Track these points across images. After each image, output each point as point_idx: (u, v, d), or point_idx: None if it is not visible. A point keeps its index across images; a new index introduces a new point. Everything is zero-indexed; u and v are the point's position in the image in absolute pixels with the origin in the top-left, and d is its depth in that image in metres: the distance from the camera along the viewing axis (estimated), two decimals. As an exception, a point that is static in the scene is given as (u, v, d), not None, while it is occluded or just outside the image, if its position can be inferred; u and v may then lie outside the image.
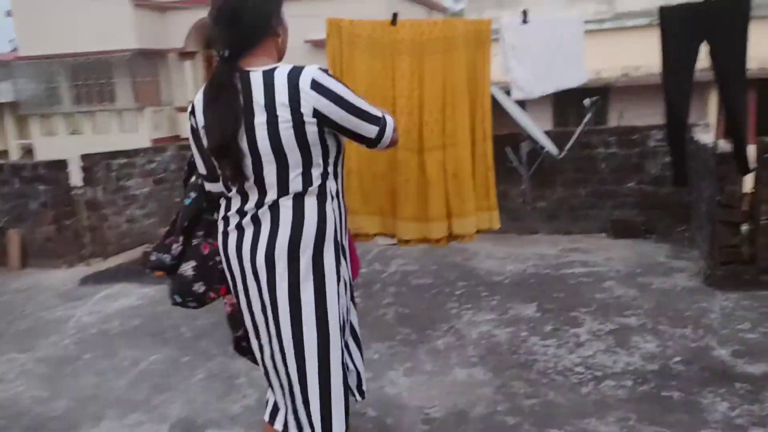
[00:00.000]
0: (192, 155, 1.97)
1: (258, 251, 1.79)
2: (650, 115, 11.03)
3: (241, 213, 1.82)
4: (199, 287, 1.99)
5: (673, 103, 3.66)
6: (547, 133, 5.47)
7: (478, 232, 3.86)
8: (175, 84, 18.10)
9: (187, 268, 1.97)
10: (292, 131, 1.71)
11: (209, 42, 2.59)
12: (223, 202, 1.89)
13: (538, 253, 5.26)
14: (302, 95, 1.70)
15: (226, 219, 1.87)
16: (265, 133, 1.71)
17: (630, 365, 3.19)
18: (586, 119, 5.17)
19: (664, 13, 3.55)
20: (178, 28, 17.35)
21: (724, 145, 4.15)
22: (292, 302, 1.79)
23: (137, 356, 3.72)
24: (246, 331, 1.98)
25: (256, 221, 1.80)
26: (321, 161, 1.80)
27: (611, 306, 3.99)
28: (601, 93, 13.05)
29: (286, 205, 1.78)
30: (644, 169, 5.53)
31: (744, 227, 4.19)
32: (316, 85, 1.71)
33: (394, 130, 1.90)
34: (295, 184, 1.77)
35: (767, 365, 3.09)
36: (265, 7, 1.79)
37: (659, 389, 2.94)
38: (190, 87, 17.48)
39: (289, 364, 1.85)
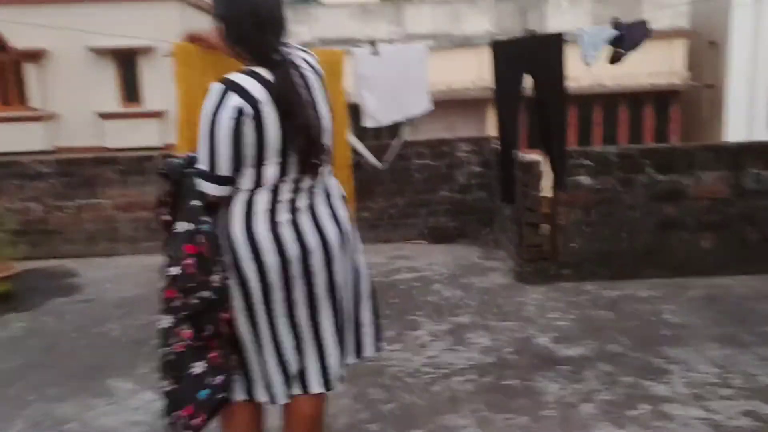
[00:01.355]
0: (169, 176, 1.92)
1: (328, 235, 1.98)
2: (440, 129, 12.06)
3: (294, 199, 1.93)
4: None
5: (505, 127, 4.06)
6: (367, 146, 5.68)
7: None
8: None
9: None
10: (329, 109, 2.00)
11: (236, 43, 2.33)
12: (261, 194, 1.90)
13: (366, 262, 5.41)
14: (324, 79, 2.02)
15: (270, 212, 1.90)
16: (328, 115, 1.96)
17: (471, 360, 3.45)
18: (403, 132, 5.46)
19: (494, 46, 3.93)
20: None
21: (524, 156, 4.69)
22: (356, 267, 2.15)
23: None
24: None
25: (311, 206, 1.97)
26: None
27: (443, 307, 4.27)
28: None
29: (332, 182, 2.06)
30: (453, 178, 6.00)
31: (545, 228, 4.75)
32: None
33: None
34: (330, 160, 2.04)
35: (582, 348, 3.54)
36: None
37: (500, 379, 3.22)
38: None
39: (364, 316, 2.20)
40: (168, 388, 1.92)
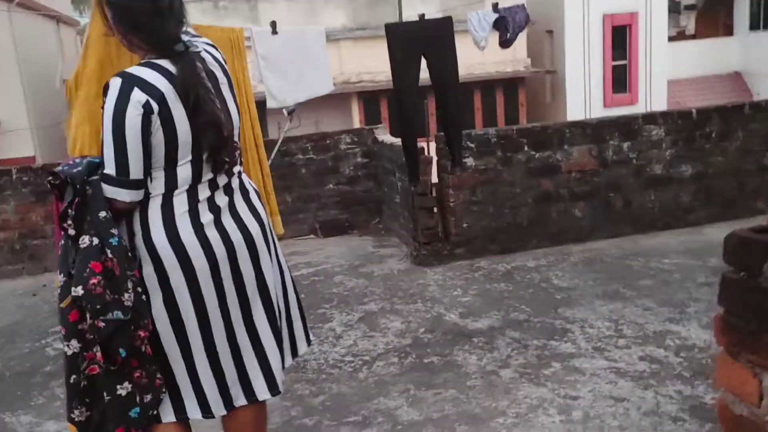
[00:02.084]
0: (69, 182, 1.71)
1: (250, 227, 1.89)
2: (306, 126, 12.03)
3: (213, 198, 1.84)
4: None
5: (404, 111, 4.13)
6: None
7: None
8: None
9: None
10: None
11: (131, 32, 1.93)
12: (180, 196, 1.78)
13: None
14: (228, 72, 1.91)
15: (193, 212, 1.80)
16: (235, 107, 1.87)
17: (389, 344, 3.52)
18: (285, 128, 5.41)
19: (389, 29, 3.98)
20: None
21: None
22: (279, 266, 2.05)
23: None
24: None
25: (231, 199, 1.87)
26: None
27: (350, 297, 4.31)
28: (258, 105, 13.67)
29: (245, 178, 1.96)
30: (339, 170, 6.04)
31: (435, 210, 4.93)
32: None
33: None
34: (238, 155, 1.94)
35: (489, 319, 3.74)
36: None
37: (420, 358, 3.32)
38: None
39: (293, 313, 2.12)
40: (81, 418, 1.76)
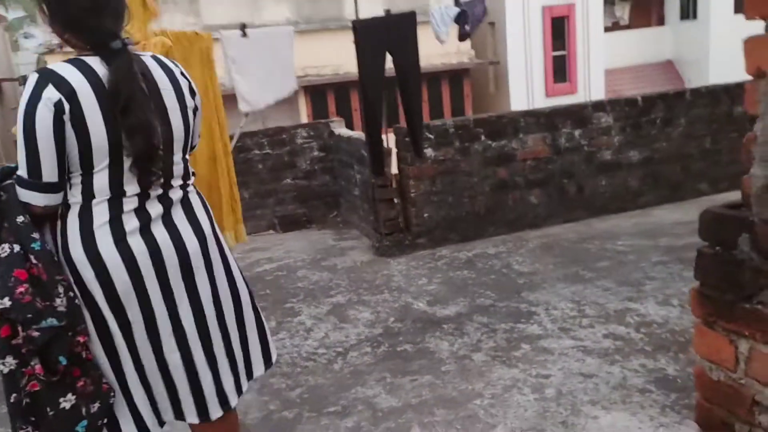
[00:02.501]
0: None
1: (187, 242, 1.75)
2: (251, 122, 11.89)
3: (143, 211, 1.70)
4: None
5: (371, 104, 4.15)
6: (204, 140, 5.49)
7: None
8: None
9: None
10: (193, 116, 1.80)
11: (65, 28, 1.75)
12: (100, 206, 1.65)
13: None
14: (191, 84, 1.81)
15: (116, 222, 1.66)
16: (179, 118, 1.73)
17: (361, 335, 3.55)
18: (242, 123, 5.35)
19: (356, 25, 3.99)
20: None
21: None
22: (231, 285, 1.88)
23: None
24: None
25: (167, 213, 1.74)
26: None
27: (316, 290, 4.32)
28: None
29: (192, 190, 1.83)
30: (296, 165, 6.02)
31: (396, 202, 4.98)
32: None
33: None
34: (189, 168, 1.82)
35: (456, 306, 3.81)
36: None
37: (394, 346, 3.37)
38: None
39: (233, 340, 1.90)
40: None
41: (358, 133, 5.51)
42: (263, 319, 2.05)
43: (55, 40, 11.98)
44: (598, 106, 5.28)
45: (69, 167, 1.61)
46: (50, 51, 12.46)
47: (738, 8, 17.67)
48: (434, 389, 2.88)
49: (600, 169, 5.28)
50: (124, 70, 1.59)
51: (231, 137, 5.38)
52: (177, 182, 1.77)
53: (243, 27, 3.56)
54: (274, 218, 5.98)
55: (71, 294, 1.64)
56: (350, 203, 5.79)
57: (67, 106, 1.54)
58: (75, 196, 1.64)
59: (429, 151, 4.83)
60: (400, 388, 2.92)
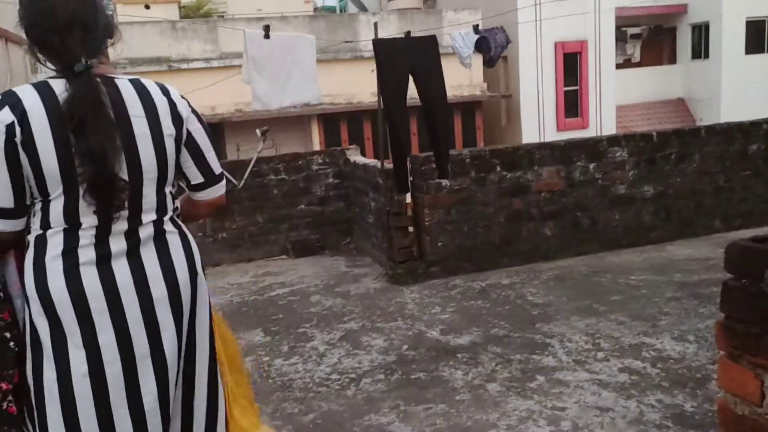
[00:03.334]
0: None
1: (153, 284, 1.56)
2: (265, 149, 11.99)
3: (102, 244, 1.53)
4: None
5: (395, 125, 4.20)
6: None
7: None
8: None
9: None
10: (173, 144, 1.62)
11: (38, 50, 1.75)
12: (55, 237, 1.52)
13: (234, 283, 5.29)
14: (179, 109, 1.64)
15: (70, 255, 1.51)
16: (150, 147, 1.57)
17: (374, 362, 3.55)
18: (259, 149, 5.42)
19: (377, 45, 4.06)
20: None
21: (386, 166, 4.92)
22: (207, 337, 1.68)
23: None
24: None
25: (134, 250, 1.56)
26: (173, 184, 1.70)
27: (329, 316, 4.32)
28: (216, 128, 13.54)
29: (171, 229, 1.63)
30: (311, 191, 6.07)
31: (411, 230, 5.01)
32: (189, 105, 1.67)
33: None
34: (170, 204, 1.65)
35: (470, 336, 3.81)
36: (106, 4, 1.63)
37: (407, 374, 3.36)
38: None
39: (197, 403, 1.68)
40: None
41: (374, 161, 5.56)
42: (219, 401, 1.74)
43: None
44: (613, 140, 5.32)
45: (31, 193, 1.53)
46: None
47: (749, 49, 17.86)
48: (449, 418, 2.86)
49: (613, 202, 5.30)
50: (80, 92, 1.49)
51: (236, 162, 5.44)
52: (148, 217, 1.59)
53: (266, 28, 3.62)
54: (287, 243, 6.01)
55: (6, 335, 1.52)
56: (364, 230, 5.82)
57: (18, 129, 1.47)
58: (34, 224, 1.55)
59: (444, 181, 4.86)
60: (414, 417, 2.91)
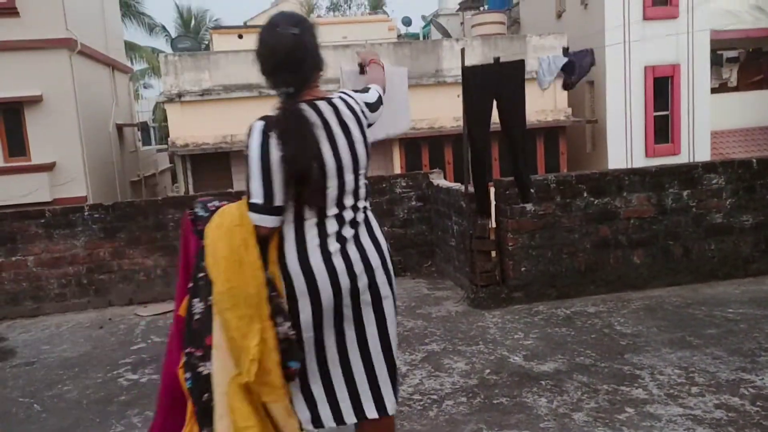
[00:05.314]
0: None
1: (372, 260, 2.10)
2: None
3: (339, 232, 2.05)
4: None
5: (478, 149, 4.26)
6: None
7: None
8: None
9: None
10: (363, 145, 2.14)
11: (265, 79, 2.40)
12: (313, 228, 2.03)
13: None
14: (360, 115, 2.19)
15: (322, 241, 2.03)
16: (351, 154, 2.08)
17: (456, 384, 3.54)
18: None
19: (467, 72, 4.15)
20: None
21: (470, 189, 4.93)
22: (394, 299, 2.19)
23: None
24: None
25: (355, 235, 2.09)
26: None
27: (410, 337, 4.34)
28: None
29: (369, 214, 2.19)
30: (394, 213, 6.15)
31: (494, 254, 4.98)
32: (366, 104, 2.28)
33: None
34: (365, 192, 2.16)
35: (554, 363, 3.73)
36: (317, 46, 2.08)
37: (489, 398, 3.33)
38: None
39: (385, 353, 2.16)
40: None
41: (457, 185, 5.58)
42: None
43: (174, 90, 12.73)
44: (709, 167, 5.11)
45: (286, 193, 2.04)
46: (169, 100, 13.38)
47: None
48: (533, 445, 2.82)
49: (709, 232, 5.07)
50: (284, 114, 1.99)
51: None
52: (361, 204, 2.14)
53: (361, 67, 3.74)
54: (369, 264, 6.09)
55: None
56: (445, 253, 5.82)
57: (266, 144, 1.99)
58: (287, 217, 2.04)
59: (529, 206, 4.82)
60: (497, 441, 2.88)
